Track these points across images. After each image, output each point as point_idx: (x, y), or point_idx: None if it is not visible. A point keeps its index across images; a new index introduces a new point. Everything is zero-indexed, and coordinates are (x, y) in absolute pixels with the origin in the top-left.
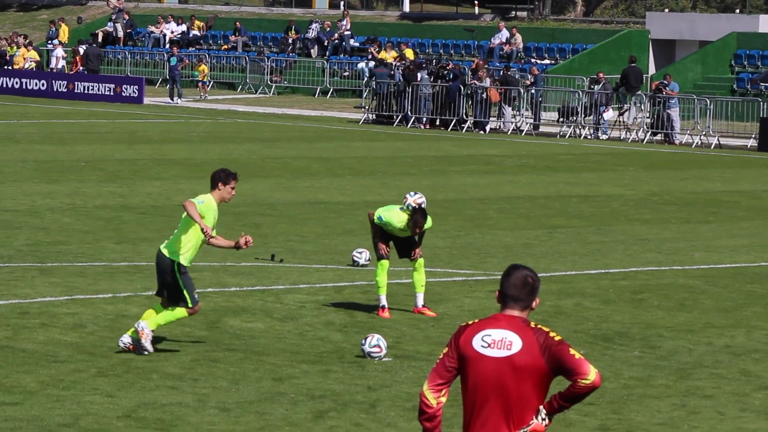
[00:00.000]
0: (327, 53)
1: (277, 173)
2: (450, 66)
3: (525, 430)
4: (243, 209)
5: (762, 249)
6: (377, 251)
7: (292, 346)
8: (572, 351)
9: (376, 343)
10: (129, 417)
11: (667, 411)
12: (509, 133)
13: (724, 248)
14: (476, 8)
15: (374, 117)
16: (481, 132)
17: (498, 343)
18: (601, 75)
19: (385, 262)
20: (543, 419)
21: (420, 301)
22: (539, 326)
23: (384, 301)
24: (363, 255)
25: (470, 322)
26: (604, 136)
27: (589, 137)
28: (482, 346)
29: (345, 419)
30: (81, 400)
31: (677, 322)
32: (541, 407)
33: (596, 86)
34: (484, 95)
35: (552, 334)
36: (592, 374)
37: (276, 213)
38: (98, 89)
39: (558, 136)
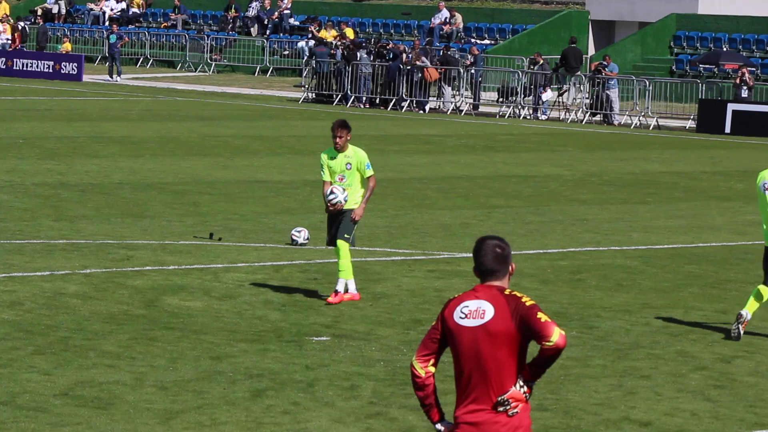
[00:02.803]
0: (267, 32)
1: (216, 152)
2: (390, 45)
3: (503, 397)
4: (182, 188)
5: (699, 230)
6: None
7: (230, 324)
8: (540, 315)
9: (330, 192)
10: (66, 395)
11: (604, 391)
12: (449, 113)
13: (662, 229)
14: None
15: (314, 96)
16: (421, 112)
17: (473, 312)
18: (538, 56)
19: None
20: (521, 386)
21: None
22: (513, 292)
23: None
24: (302, 234)
25: (455, 296)
26: (543, 117)
27: (528, 117)
28: (460, 317)
29: (283, 398)
30: (18, 378)
31: (615, 302)
32: (519, 375)
33: (535, 67)
34: (420, 75)
35: (524, 300)
36: (554, 335)
37: (215, 191)
38: (37, 66)
39: (497, 117)
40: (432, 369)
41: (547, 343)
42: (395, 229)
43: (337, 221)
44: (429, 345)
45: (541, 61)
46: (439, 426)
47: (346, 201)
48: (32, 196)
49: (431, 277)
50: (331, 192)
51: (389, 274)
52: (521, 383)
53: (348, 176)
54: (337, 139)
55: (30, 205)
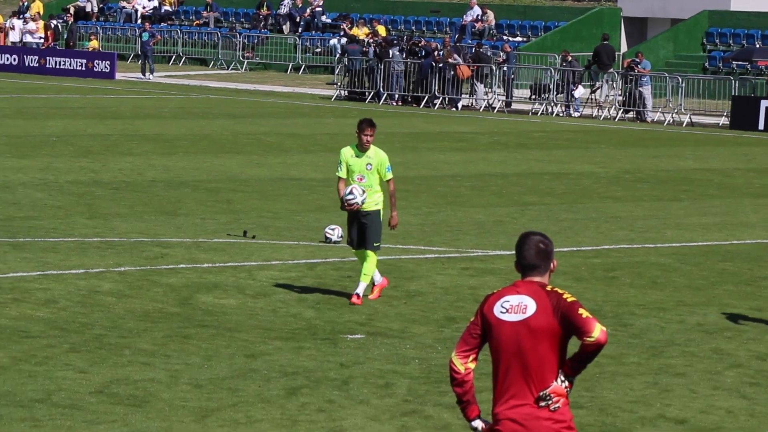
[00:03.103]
0: (299, 29)
1: (249, 149)
2: (422, 43)
3: (545, 392)
4: (215, 185)
5: (733, 227)
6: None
7: (265, 322)
8: (581, 310)
9: (349, 191)
10: (101, 393)
11: (639, 389)
12: (481, 110)
13: (696, 226)
14: None
15: (346, 93)
16: (453, 109)
17: (515, 307)
18: (566, 53)
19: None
20: (563, 381)
21: (357, 289)
22: (555, 289)
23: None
24: (335, 231)
25: (494, 291)
26: (576, 114)
27: (561, 114)
28: (501, 312)
29: (318, 396)
30: (53, 376)
31: (649, 300)
32: (560, 370)
33: (564, 64)
34: (453, 72)
35: (565, 296)
36: (596, 331)
37: (248, 189)
38: (70, 64)
39: (530, 114)
40: (471, 365)
41: (589, 339)
42: (429, 227)
43: (362, 226)
44: (469, 341)
45: (570, 59)
46: (476, 423)
47: (363, 203)
48: (66, 194)
49: (465, 274)
50: (350, 192)
51: (423, 271)
52: (562, 378)
53: (367, 177)
54: (369, 138)
55: (64, 203)
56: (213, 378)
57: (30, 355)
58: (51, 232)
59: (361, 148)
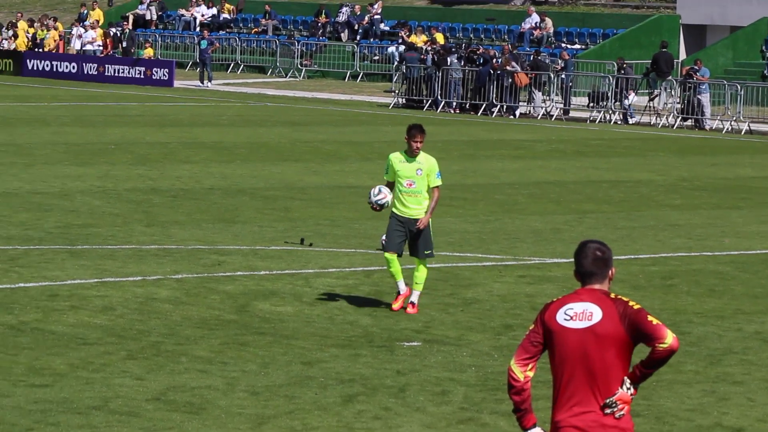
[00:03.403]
0: (357, 37)
1: (307, 157)
2: (480, 50)
3: (611, 399)
4: (273, 193)
5: None
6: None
7: (321, 330)
8: (650, 317)
9: (378, 191)
10: (158, 400)
11: (696, 397)
12: (539, 118)
13: (755, 234)
14: None
15: (404, 101)
16: (511, 117)
17: (580, 315)
18: (621, 60)
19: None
20: (628, 388)
21: (411, 298)
22: (619, 296)
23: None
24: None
25: (554, 299)
26: (632, 120)
27: (619, 122)
28: (565, 319)
29: (374, 403)
30: (110, 383)
31: (707, 308)
32: (625, 377)
33: (622, 72)
34: (511, 80)
35: (631, 303)
36: (669, 338)
37: (306, 197)
38: (129, 72)
39: (588, 121)
40: (530, 374)
41: (662, 345)
42: (486, 235)
43: (410, 234)
44: (529, 349)
45: (624, 65)
46: (536, 430)
47: (387, 204)
48: (124, 201)
49: (522, 282)
50: (380, 191)
51: (480, 279)
52: (628, 385)
53: (417, 182)
54: (419, 144)
55: (122, 210)
56: (270, 385)
57: (87, 362)
58: (109, 239)
59: (411, 154)
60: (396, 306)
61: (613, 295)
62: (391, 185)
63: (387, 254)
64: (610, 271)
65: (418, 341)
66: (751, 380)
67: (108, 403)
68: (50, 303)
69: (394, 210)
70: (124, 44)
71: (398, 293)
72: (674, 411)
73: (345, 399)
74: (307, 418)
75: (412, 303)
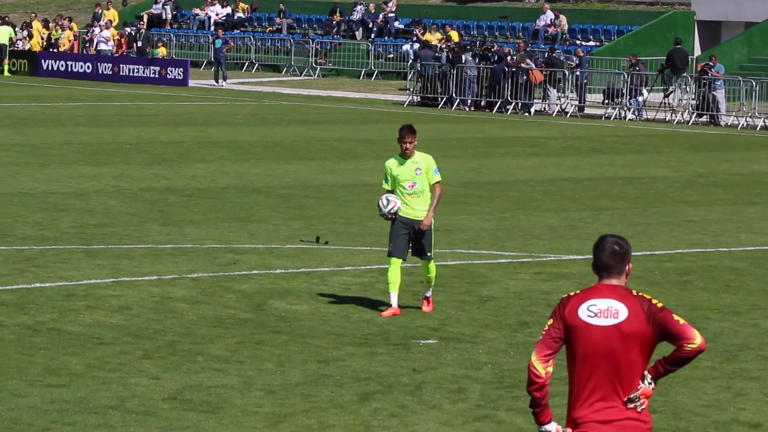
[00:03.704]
0: (372, 35)
1: (322, 156)
2: (495, 48)
3: (635, 394)
4: (288, 191)
5: None
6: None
7: (337, 328)
8: (676, 317)
9: (387, 202)
10: (175, 399)
11: (713, 393)
12: (554, 115)
13: None
14: None
15: (419, 99)
16: (526, 114)
17: (604, 312)
18: (633, 57)
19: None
20: (649, 383)
21: (426, 293)
22: (641, 294)
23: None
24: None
25: (572, 294)
26: (633, 116)
27: (633, 119)
28: (589, 316)
29: (390, 401)
30: (127, 383)
31: (723, 303)
32: (646, 372)
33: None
34: (525, 77)
35: (654, 301)
36: (698, 339)
37: (321, 195)
38: (143, 72)
39: (603, 118)
40: (551, 370)
41: (691, 346)
42: (501, 232)
43: (410, 236)
44: (551, 345)
45: (635, 62)
46: (550, 427)
47: (399, 210)
48: (139, 200)
49: (538, 279)
50: (389, 201)
51: (495, 276)
52: (649, 380)
53: (419, 182)
54: (408, 145)
55: (137, 209)
56: (286, 384)
57: (104, 362)
58: (124, 239)
59: (405, 156)
60: (385, 314)
61: (635, 292)
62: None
63: (393, 259)
64: (627, 266)
65: (434, 339)
66: None
67: (124, 403)
68: (66, 303)
69: (399, 214)
70: (139, 44)
71: (389, 305)
72: (690, 407)
73: (361, 397)
74: (323, 416)
75: (426, 298)
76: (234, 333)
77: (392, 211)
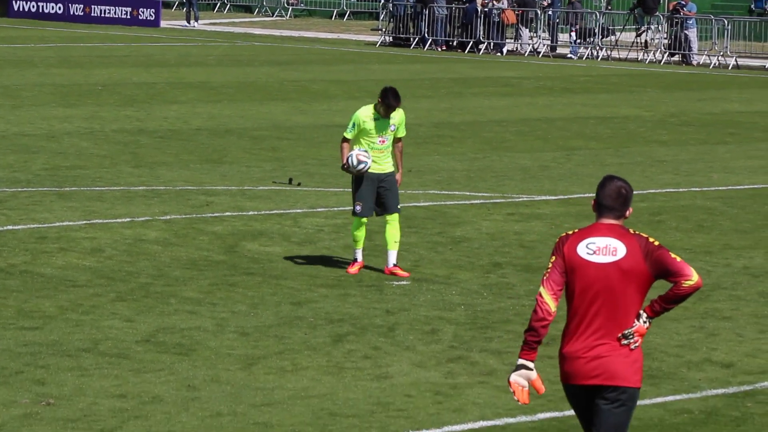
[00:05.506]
0: None
1: (294, 96)
2: None
3: (629, 331)
4: (260, 133)
5: None
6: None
7: (310, 270)
8: (673, 255)
9: (357, 162)
10: (148, 341)
11: (685, 333)
12: (526, 55)
13: (743, 169)
14: None
15: (391, 39)
16: (498, 54)
17: (603, 249)
18: None
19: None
20: (645, 321)
21: (392, 260)
22: (638, 232)
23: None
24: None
25: (570, 232)
26: (574, 57)
27: (606, 58)
28: (588, 253)
29: (363, 343)
30: (100, 325)
31: (695, 243)
32: (641, 311)
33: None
34: (497, 17)
35: (651, 240)
36: (695, 276)
37: (293, 136)
38: (115, 12)
39: (575, 58)
40: (556, 304)
41: (688, 282)
42: (474, 173)
43: (383, 190)
44: (558, 280)
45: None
46: (532, 366)
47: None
48: (111, 142)
49: (510, 220)
50: (359, 161)
51: (468, 217)
52: (645, 318)
53: (389, 137)
54: (393, 110)
55: (109, 151)
56: (259, 326)
57: (76, 304)
58: (97, 181)
59: (385, 115)
60: (353, 270)
61: (632, 231)
62: (347, 141)
63: (363, 219)
64: (627, 211)
65: (407, 280)
66: (740, 315)
67: (98, 345)
68: (38, 245)
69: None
70: None
71: (355, 260)
72: (663, 347)
73: (334, 339)
74: (296, 358)
75: (395, 265)
76: (207, 275)
77: (362, 168)
